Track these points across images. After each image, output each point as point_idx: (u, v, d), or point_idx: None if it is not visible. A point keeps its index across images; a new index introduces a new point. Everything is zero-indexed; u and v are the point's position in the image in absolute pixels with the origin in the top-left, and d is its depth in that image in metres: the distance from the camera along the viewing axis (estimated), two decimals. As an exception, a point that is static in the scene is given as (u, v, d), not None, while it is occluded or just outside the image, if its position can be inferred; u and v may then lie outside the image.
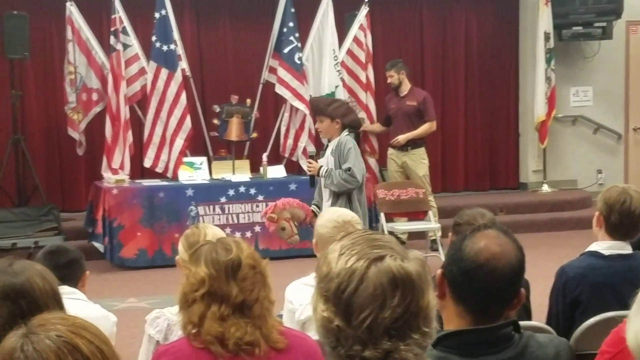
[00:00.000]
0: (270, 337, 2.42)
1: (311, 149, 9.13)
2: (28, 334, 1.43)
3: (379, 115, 9.37)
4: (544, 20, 10.45)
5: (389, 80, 8.96)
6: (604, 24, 10.55)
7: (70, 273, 3.12)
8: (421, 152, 8.94)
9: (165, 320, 3.12)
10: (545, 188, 10.84)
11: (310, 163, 6.40)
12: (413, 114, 8.86)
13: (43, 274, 2.16)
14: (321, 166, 6.25)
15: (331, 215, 3.51)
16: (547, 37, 10.48)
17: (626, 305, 3.40)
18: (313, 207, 6.22)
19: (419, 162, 8.91)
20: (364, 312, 1.52)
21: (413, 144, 8.88)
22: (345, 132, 6.25)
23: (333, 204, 6.00)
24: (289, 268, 6.28)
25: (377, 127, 9.25)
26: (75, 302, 3.04)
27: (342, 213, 3.56)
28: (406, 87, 8.95)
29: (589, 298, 3.48)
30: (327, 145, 6.43)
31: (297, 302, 3.25)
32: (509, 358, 2.12)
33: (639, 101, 11.21)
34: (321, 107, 6.40)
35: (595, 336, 3.13)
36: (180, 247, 3.22)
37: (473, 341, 2.10)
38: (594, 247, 3.58)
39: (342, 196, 6.12)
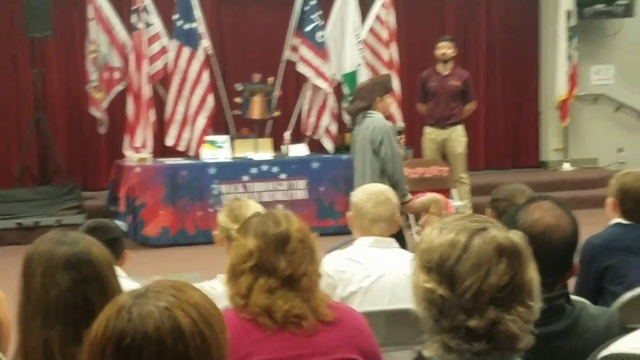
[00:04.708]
0: (318, 310, 2.41)
1: (333, 128, 9.14)
2: (141, 296, 1.42)
3: (405, 93, 9.34)
4: (566, -2, 10.39)
5: (443, 51, 8.83)
6: (627, 2, 10.48)
7: (112, 251, 3.13)
8: (460, 129, 8.95)
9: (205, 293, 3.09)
10: (566, 166, 10.80)
11: None
12: (456, 94, 8.87)
13: (98, 244, 2.18)
14: None
15: (367, 185, 3.60)
16: (568, 15, 10.40)
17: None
18: None
19: (458, 139, 8.90)
20: (469, 279, 1.52)
21: (454, 121, 8.90)
22: None
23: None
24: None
25: (423, 107, 9.16)
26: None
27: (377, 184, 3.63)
28: (450, 65, 8.92)
29: (617, 263, 3.54)
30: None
31: (339, 276, 3.25)
32: (561, 329, 2.13)
33: (662, 79, 11.12)
34: None
35: (634, 310, 3.14)
36: (224, 219, 3.19)
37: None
38: (615, 221, 3.67)
39: None
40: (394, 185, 5.81)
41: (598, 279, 3.56)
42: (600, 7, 10.49)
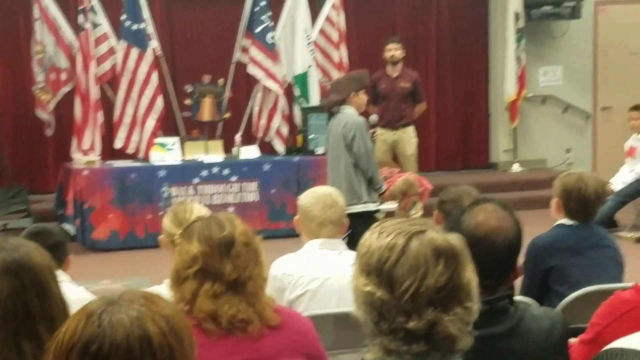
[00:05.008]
0: (264, 314, 2.39)
1: (284, 130, 9.11)
2: (113, 303, 1.41)
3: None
4: (514, 0, 10.48)
5: (391, 54, 8.95)
6: (573, 4, 10.60)
7: (55, 256, 3.07)
8: (411, 130, 9.07)
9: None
10: (516, 167, 10.92)
11: None
12: (407, 95, 8.94)
13: (39, 249, 2.14)
14: None
15: (313, 189, 3.61)
16: (517, 17, 10.51)
17: (597, 266, 3.55)
18: None
19: (409, 140, 9.01)
20: (407, 281, 1.53)
21: (404, 122, 8.97)
22: None
23: None
24: (263, 248, 6.27)
25: (374, 109, 9.16)
26: (61, 284, 2.98)
27: (324, 187, 3.68)
28: (399, 66, 8.99)
29: (561, 264, 3.61)
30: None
31: (287, 279, 3.24)
32: (505, 331, 2.13)
33: (607, 80, 11.30)
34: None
35: (578, 310, 3.18)
36: (168, 223, 3.15)
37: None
38: (559, 222, 3.75)
39: None
40: (370, 180, 5.91)
41: (543, 279, 3.61)
42: (547, 8, 10.62)
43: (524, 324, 2.17)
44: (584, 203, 3.62)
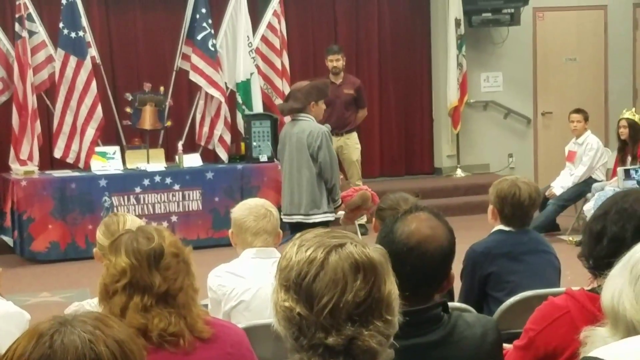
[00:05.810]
0: (196, 327, 2.36)
1: (227, 137, 9.04)
2: (66, 323, 1.38)
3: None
4: (455, 7, 10.59)
5: (334, 64, 9.07)
6: (512, 10, 10.75)
7: (-17, 270, 2.99)
8: (355, 136, 9.19)
9: (84, 313, 2.98)
10: (459, 172, 11.01)
11: None
12: (350, 102, 9.01)
13: None
14: None
15: (245, 201, 3.60)
16: (457, 24, 10.62)
17: (534, 272, 3.58)
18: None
19: (353, 146, 9.11)
20: (326, 297, 1.51)
21: (348, 129, 9.06)
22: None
23: None
24: (207, 257, 6.17)
25: None
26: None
27: (255, 199, 3.67)
28: (342, 74, 9.09)
29: (499, 270, 3.63)
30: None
31: (221, 291, 3.20)
32: (439, 339, 2.12)
33: (547, 86, 11.48)
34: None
35: (515, 315, 3.19)
36: (100, 236, 3.10)
37: (403, 323, 2.10)
38: (496, 228, 3.79)
39: None
40: (330, 190, 5.90)
41: (482, 286, 3.62)
42: (487, 15, 10.75)
43: (457, 331, 2.16)
44: (519, 208, 3.64)
